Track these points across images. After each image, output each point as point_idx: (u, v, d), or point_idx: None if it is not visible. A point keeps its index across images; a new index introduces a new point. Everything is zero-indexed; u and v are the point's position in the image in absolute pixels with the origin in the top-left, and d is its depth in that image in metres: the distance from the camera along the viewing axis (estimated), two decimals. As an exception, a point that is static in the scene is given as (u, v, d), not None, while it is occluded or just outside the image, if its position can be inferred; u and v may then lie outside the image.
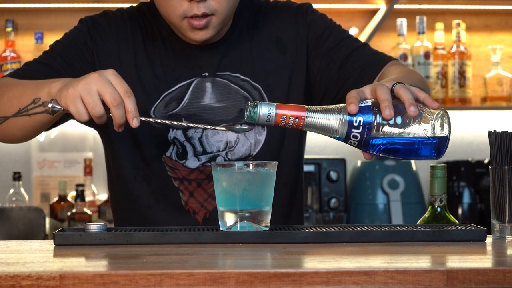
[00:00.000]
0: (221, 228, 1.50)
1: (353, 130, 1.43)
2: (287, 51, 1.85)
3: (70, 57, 1.79)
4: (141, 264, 1.22)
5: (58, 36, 1.89)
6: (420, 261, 1.27)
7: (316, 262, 1.28)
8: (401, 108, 1.43)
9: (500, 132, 1.55)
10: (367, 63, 1.80)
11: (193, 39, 1.74)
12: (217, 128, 1.56)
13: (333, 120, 1.43)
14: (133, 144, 1.81)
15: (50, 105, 1.53)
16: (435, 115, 1.45)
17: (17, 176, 3.32)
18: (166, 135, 1.80)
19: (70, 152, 3.56)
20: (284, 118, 1.43)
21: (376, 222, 3.37)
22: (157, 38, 1.83)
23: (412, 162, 3.48)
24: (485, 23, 3.76)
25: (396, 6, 3.50)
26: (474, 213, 3.46)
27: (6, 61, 3.43)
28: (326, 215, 3.38)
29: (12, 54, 3.45)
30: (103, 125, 1.54)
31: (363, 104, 1.43)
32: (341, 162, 3.39)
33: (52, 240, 1.45)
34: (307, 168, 3.35)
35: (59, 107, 1.52)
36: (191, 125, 1.62)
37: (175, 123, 1.57)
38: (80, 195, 3.22)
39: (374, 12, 3.59)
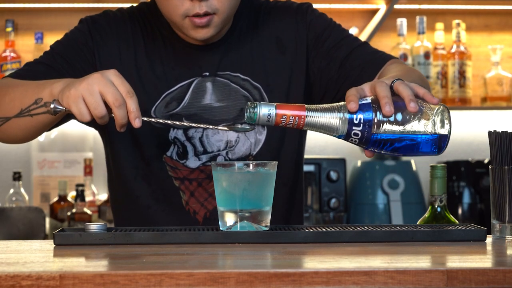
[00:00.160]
0: (221, 228, 1.50)
1: (354, 128, 1.43)
2: (287, 51, 1.85)
3: (71, 57, 1.79)
4: (141, 264, 1.22)
5: (58, 36, 1.89)
6: (420, 261, 1.27)
7: (316, 262, 1.28)
8: (401, 105, 1.43)
9: (500, 132, 1.55)
10: (367, 62, 1.80)
11: (195, 38, 1.74)
12: (218, 128, 1.56)
13: (333, 119, 1.43)
14: (134, 144, 1.81)
15: (52, 106, 1.53)
16: (435, 111, 1.45)
17: (17, 176, 3.32)
18: (167, 135, 1.80)
19: (70, 152, 3.56)
20: (284, 118, 1.43)
21: (376, 222, 3.37)
22: (157, 38, 1.83)
23: (412, 162, 3.48)
24: (485, 23, 3.76)
25: (396, 6, 3.50)
26: (474, 213, 3.46)
27: (6, 61, 3.43)
28: (326, 215, 3.38)
29: (12, 54, 3.45)
30: (103, 125, 1.54)
31: (363, 102, 1.43)
32: (341, 162, 3.39)
33: (52, 240, 1.45)
34: (307, 168, 3.35)
35: (61, 107, 1.52)
36: (193, 125, 1.62)
37: (177, 123, 1.57)
38: (80, 195, 3.22)
39: (374, 12, 3.59)
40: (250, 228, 1.48)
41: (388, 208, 3.38)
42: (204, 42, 1.80)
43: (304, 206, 2.28)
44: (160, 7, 1.76)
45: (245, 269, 1.15)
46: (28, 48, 3.51)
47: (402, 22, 3.56)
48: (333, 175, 3.36)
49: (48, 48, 1.83)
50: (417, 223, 1.67)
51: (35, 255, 1.35)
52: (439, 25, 3.61)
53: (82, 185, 3.25)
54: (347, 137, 1.44)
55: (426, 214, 1.68)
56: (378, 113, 1.42)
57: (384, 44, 3.62)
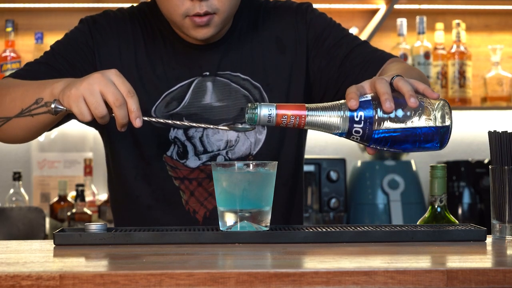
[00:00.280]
0: (221, 228, 1.50)
1: (355, 125, 1.43)
2: (287, 51, 1.85)
3: (71, 57, 1.79)
4: (141, 264, 1.22)
5: (58, 36, 1.89)
6: (420, 261, 1.27)
7: (316, 262, 1.28)
8: (401, 101, 1.43)
9: (500, 132, 1.55)
10: (367, 61, 1.80)
11: (195, 37, 1.74)
12: (219, 127, 1.56)
13: (334, 117, 1.43)
14: (134, 144, 1.81)
15: (53, 106, 1.53)
16: (435, 106, 1.44)
17: (17, 176, 3.32)
18: (167, 134, 1.80)
19: (70, 152, 3.56)
20: (285, 118, 1.43)
21: (376, 222, 3.37)
22: (157, 37, 1.83)
23: (412, 162, 3.48)
24: (485, 23, 3.76)
25: (396, 6, 3.50)
26: (474, 213, 3.46)
27: (6, 61, 3.43)
28: (326, 215, 3.38)
29: (12, 54, 3.45)
30: (103, 124, 1.54)
31: (363, 99, 1.43)
32: (341, 162, 3.39)
33: (52, 240, 1.45)
34: (307, 168, 3.35)
35: (62, 107, 1.52)
36: (194, 124, 1.62)
37: (178, 122, 1.57)
38: (80, 195, 3.22)
39: (374, 12, 3.59)
40: (250, 228, 1.48)
41: (388, 208, 3.38)
42: (204, 42, 1.80)
43: (304, 206, 2.28)
44: (160, 7, 1.76)
45: (245, 269, 1.15)
46: (28, 48, 3.51)
47: (402, 22, 3.56)
48: (333, 175, 3.36)
49: (48, 48, 1.83)
50: (417, 223, 1.67)
51: (35, 255, 1.35)
52: (439, 25, 3.61)
53: (82, 185, 3.25)
54: (348, 135, 1.44)
55: (426, 214, 1.68)
56: (378, 109, 1.42)
57: (384, 44, 3.62)
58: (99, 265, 1.26)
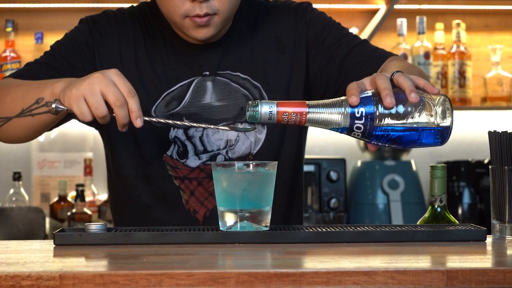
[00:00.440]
0: (221, 228, 1.50)
1: (356, 121, 1.42)
2: (286, 50, 1.85)
3: (71, 57, 1.79)
4: (141, 264, 1.22)
5: (58, 36, 1.89)
6: (420, 261, 1.27)
7: (316, 262, 1.28)
8: (402, 96, 1.43)
9: (500, 132, 1.55)
10: (367, 59, 1.80)
11: (195, 38, 1.75)
12: (220, 128, 1.57)
13: (335, 114, 1.43)
14: (134, 144, 1.81)
15: (53, 106, 1.53)
16: (436, 101, 1.44)
17: (17, 176, 3.32)
18: (167, 134, 1.80)
19: (70, 152, 3.56)
20: (286, 115, 1.43)
21: (376, 222, 3.36)
22: (157, 37, 1.83)
23: (412, 162, 3.48)
24: (485, 23, 3.76)
25: (396, 6, 3.50)
26: (474, 213, 3.46)
27: (6, 61, 3.43)
28: (326, 215, 3.38)
29: (12, 54, 3.45)
30: (103, 124, 1.55)
31: (364, 95, 1.43)
32: (341, 162, 3.39)
33: (52, 240, 1.45)
34: (307, 168, 3.35)
35: (62, 107, 1.52)
36: (194, 124, 1.62)
37: (178, 122, 1.57)
38: (80, 195, 3.22)
39: (374, 12, 3.59)
40: (250, 228, 1.48)
41: (388, 208, 3.38)
42: (204, 42, 1.80)
43: (304, 206, 2.28)
44: (160, 7, 1.76)
45: (245, 269, 1.15)
46: (28, 48, 3.51)
47: (402, 22, 3.56)
48: (333, 175, 3.36)
49: (48, 48, 1.83)
50: (417, 223, 1.67)
51: (35, 255, 1.35)
52: (439, 25, 3.61)
53: (82, 185, 3.25)
54: (349, 131, 1.44)
55: (426, 214, 1.68)
56: (379, 105, 1.42)
57: (384, 44, 3.62)
58: (99, 265, 1.26)
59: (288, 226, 1.57)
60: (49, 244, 1.46)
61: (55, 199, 3.34)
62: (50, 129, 1.73)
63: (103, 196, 3.45)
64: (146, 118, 1.53)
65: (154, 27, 1.84)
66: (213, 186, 1.57)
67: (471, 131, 3.73)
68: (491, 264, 1.26)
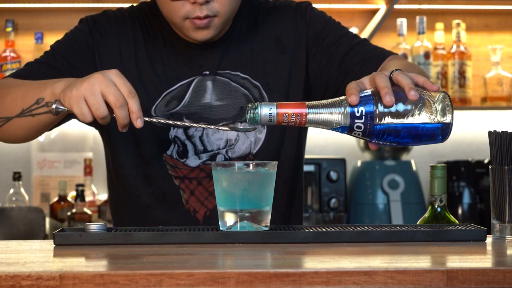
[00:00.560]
0: (221, 228, 1.50)
1: (356, 121, 1.42)
2: (286, 50, 1.85)
3: (71, 57, 1.79)
4: (141, 264, 1.22)
5: (58, 36, 1.89)
6: (420, 261, 1.27)
7: (316, 262, 1.28)
8: (401, 94, 1.43)
9: (500, 132, 1.55)
10: (367, 58, 1.80)
11: (195, 39, 1.75)
12: (220, 128, 1.57)
13: (335, 114, 1.43)
14: (134, 143, 1.81)
15: (54, 106, 1.53)
16: (436, 98, 1.44)
17: (17, 176, 3.32)
18: (167, 134, 1.80)
19: (70, 152, 3.56)
20: (286, 117, 1.43)
21: (376, 222, 3.36)
22: (157, 37, 1.83)
23: (412, 162, 3.48)
24: (485, 23, 3.76)
25: (396, 6, 3.50)
26: (474, 213, 3.46)
27: (6, 61, 3.43)
28: (326, 215, 3.38)
29: (12, 54, 3.45)
30: (103, 124, 1.55)
31: (363, 94, 1.43)
32: (341, 162, 3.39)
33: (52, 240, 1.45)
34: (307, 168, 3.35)
35: (63, 107, 1.52)
36: (194, 124, 1.62)
37: (179, 123, 1.57)
38: (80, 195, 3.22)
39: (374, 12, 3.59)
40: (250, 228, 1.48)
41: (388, 208, 3.38)
42: (204, 42, 1.80)
43: (304, 206, 2.28)
44: (160, 8, 1.76)
45: (245, 269, 1.15)
46: (28, 48, 3.51)
47: (402, 22, 3.56)
48: (333, 175, 3.36)
49: (48, 48, 1.83)
50: (417, 223, 1.67)
51: (35, 255, 1.35)
52: (439, 25, 3.61)
53: (82, 185, 3.25)
54: (350, 131, 1.44)
55: (426, 214, 1.68)
56: (379, 104, 1.42)
57: (384, 44, 3.61)
58: (99, 265, 1.26)
59: (288, 226, 1.57)
60: (49, 244, 1.46)
61: (55, 199, 3.34)
62: (50, 129, 1.73)
63: (103, 196, 3.45)
64: (146, 119, 1.53)
65: (154, 27, 1.84)
66: (213, 185, 1.57)
67: (471, 131, 3.73)
68: (491, 264, 1.26)
